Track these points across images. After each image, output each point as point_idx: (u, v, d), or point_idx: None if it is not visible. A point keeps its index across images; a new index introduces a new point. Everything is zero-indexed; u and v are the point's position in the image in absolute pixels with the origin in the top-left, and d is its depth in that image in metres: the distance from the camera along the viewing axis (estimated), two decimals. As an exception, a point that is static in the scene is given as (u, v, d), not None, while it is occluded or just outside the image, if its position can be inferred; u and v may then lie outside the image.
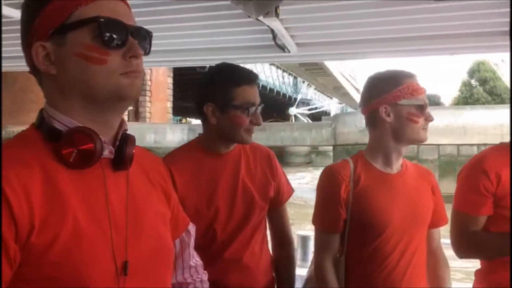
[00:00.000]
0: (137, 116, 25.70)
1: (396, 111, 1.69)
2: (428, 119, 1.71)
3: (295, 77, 42.75)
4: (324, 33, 2.31)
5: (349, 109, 46.10)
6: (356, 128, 16.80)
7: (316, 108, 44.28)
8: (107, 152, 0.95)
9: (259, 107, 1.75)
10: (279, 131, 21.77)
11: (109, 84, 0.91)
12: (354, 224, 1.72)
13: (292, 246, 1.97)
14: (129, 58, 0.92)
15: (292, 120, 37.49)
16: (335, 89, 44.33)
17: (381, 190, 1.72)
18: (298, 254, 3.06)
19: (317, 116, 40.73)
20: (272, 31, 2.18)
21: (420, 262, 1.77)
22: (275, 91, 37.15)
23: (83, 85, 0.91)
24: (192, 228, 1.29)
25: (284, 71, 40.13)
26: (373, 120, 1.75)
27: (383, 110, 1.70)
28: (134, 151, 1.00)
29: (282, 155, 35.33)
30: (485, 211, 1.73)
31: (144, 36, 0.98)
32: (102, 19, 0.90)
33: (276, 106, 40.73)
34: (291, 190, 1.96)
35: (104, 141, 0.94)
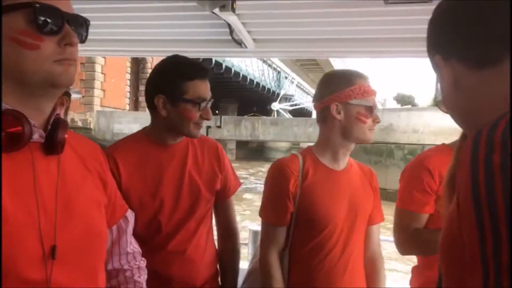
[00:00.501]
0: (136, 105, 25.38)
1: (346, 109, 1.73)
2: (376, 120, 1.76)
3: (278, 72, 42.74)
4: (282, 30, 2.32)
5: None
6: (377, 126, 16.80)
7: (297, 105, 44.36)
8: (37, 136, 0.95)
9: (210, 102, 1.76)
10: (291, 127, 21.74)
11: (41, 70, 0.90)
12: (300, 218, 1.75)
13: (237, 240, 1.99)
14: (64, 46, 0.92)
15: (274, 116, 37.51)
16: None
17: (326, 186, 1.76)
18: (249, 249, 3.07)
19: (298, 113, 40.80)
20: (229, 25, 2.18)
21: (359, 257, 1.82)
22: (254, 82, 36.75)
23: (15, 69, 0.90)
24: (130, 215, 1.29)
25: (269, 65, 40.06)
26: (324, 117, 1.79)
27: (334, 108, 1.73)
28: (66, 135, 0.99)
29: (262, 150, 35.42)
30: (428, 209, 1.80)
31: (81, 24, 0.98)
32: (37, 4, 0.89)
33: (257, 100, 40.66)
34: (238, 184, 1.98)
35: (34, 124, 0.93)
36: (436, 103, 0.91)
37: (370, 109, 1.73)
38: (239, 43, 2.30)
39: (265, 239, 1.82)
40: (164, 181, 1.76)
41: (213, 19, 2.15)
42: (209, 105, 1.76)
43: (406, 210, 1.84)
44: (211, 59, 24.89)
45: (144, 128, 1.85)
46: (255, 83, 36.44)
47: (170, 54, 1.83)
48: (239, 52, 2.47)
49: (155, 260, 1.68)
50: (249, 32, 2.26)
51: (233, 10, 2.03)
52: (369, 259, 1.88)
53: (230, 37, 2.26)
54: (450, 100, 0.83)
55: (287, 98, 44.20)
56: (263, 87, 38.80)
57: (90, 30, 1.01)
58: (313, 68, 37.92)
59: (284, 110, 41.42)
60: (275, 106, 40.48)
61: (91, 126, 20.79)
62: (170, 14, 2.16)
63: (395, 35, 2.09)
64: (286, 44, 2.45)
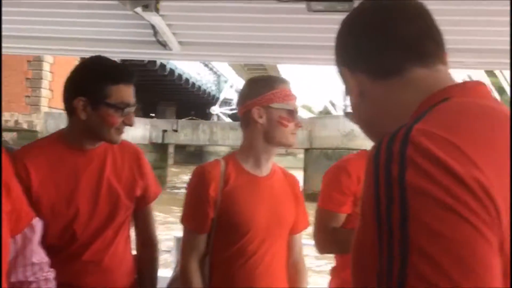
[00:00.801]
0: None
1: (268, 113, 1.73)
2: (298, 125, 1.77)
3: (218, 76, 42.66)
4: (209, 34, 2.29)
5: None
6: (338, 132, 17.15)
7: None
8: None
9: (133, 107, 1.70)
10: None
11: None
12: (221, 224, 1.73)
13: (156, 247, 1.94)
14: None
15: (214, 120, 37.36)
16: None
17: (248, 192, 1.76)
18: (173, 256, 3.02)
19: (238, 117, 40.82)
20: (153, 26, 2.13)
21: (281, 264, 1.82)
22: (196, 86, 36.21)
23: None
24: (37, 223, 1.23)
25: (210, 69, 39.88)
26: (246, 121, 1.78)
27: (256, 112, 1.74)
28: None
29: (201, 153, 35.15)
30: (346, 209, 1.89)
31: None
32: None
33: (195, 103, 40.20)
34: (158, 190, 1.94)
35: None
36: (346, 114, 0.93)
37: (292, 113, 1.75)
38: (164, 45, 2.24)
39: (185, 246, 1.78)
40: (80, 188, 1.68)
41: (136, 19, 2.09)
42: (132, 110, 1.70)
43: (325, 209, 1.93)
44: (155, 61, 24.40)
45: (60, 131, 1.76)
46: (196, 86, 36.09)
47: (90, 54, 1.75)
48: (164, 55, 2.42)
49: (69, 271, 1.62)
50: (174, 34, 2.21)
51: (157, 10, 1.98)
52: (291, 267, 1.89)
53: (154, 39, 2.20)
54: (357, 111, 0.84)
55: (227, 102, 44.25)
56: (204, 90, 38.56)
57: None
58: (261, 73, 38.22)
59: (224, 114, 41.41)
60: (215, 110, 40.35)
61: (38, 129, 19.50)
62: (91, 12, 2.07)
63: (320, 42, 2.12)
64: (214, 48, 2.42)
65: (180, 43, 2.30)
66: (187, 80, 33.39)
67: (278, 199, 1.81)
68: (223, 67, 40.48)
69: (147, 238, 1.92)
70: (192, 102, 39.25)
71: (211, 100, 41.04)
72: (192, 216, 1.77)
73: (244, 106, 1.78)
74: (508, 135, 0.66)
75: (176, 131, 21.80)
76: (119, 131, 1.68)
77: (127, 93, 1.67)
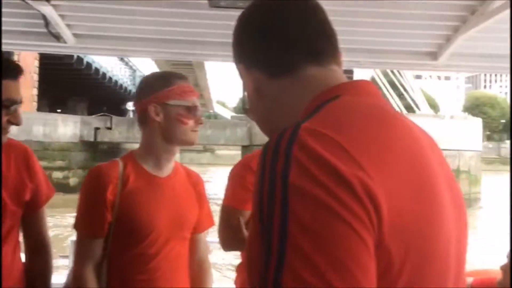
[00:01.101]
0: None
1: (165, 111, 1.68)
2: (198, 121, 1.73)
3: (133, 70, 41.38)
4: (107, 27, 2.18)
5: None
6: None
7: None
8: None
9: (20, 105, 1.58)
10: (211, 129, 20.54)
11: None
12: (120, 227, 1.66)
13: (49, 252, 1.83)
14: None
15: (129, 116, 36.17)
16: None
17: (149, 193, 1.70)
18: (70, 261, 2.87)
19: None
20: (44, 16, 1.98)
21: (184, 265, 1.78)
22: (113, 80, 34.75)
23: None
24: None
25: (126, 63, 38.53)
26: (143, 119, 1.72)
27: (153, 109, 1.67)
28: None
29: (116, 151, 33.86)
30: (249, 206, 1.85)
31: None
32: None
33: (108, 99, 38.66)
34: (51, 192, 1.83)
35: None
36: (245, 111, 0.92)
37: (191, 110, 1.70)
38: (57, 37, 2.10)
39: (79, 253, 1.69)
40: None
41: (26, 8, 1.93)
42: (18, 108, 1.57)
43: (228, 206, 1.93)
44: (72, 55, 23.08)
45: None
46: (113, 81, 34.68)
47: None
48: (58, 47, 2.26)
49: None
50: (68, 26, 2.08)
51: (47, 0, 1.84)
52: (196, 267, 1.86)
53: (46, 30, 2.05)
54: (254, 108, 0.84)
55: (143, 98, 42.94)
56: (121, 85, 37.19)
57: None
58: (185, 68, 37.28)
59: (140, 110, 40.13)
60: (131, 106, 39.14)
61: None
62: None
63: (222, 39, 2.11)
64: (115, 42, 2.31)
65: (76, 35, 2.16)
66: (104, 74, 31.99)
67: (180, 200, 1.76)
68: (139, 61, 39.37)
69: (39, 243, 1.81)
70: (104, 98, 37.72)
71: (127, 95, 39.76)
72: (88, 220, 1.68)
73: (140, 104, 1.72)
74: (396, 135, 0.68)
75: (110, 128, 20.73)
76: (5, 130, 1.56)
77: (14, 89, 1.55)
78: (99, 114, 26.40)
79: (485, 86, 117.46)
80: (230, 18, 1.98)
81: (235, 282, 2.03)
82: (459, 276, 0.73)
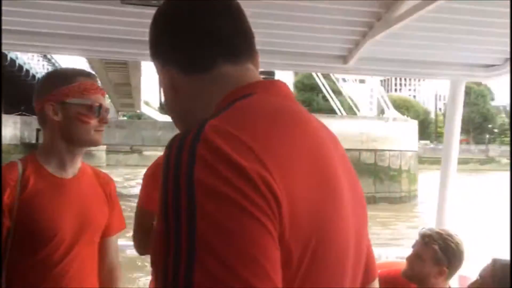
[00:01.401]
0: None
1: (64, 110, 1.61)
2: (102, 121, 1.67)
3: (53, 65, 39.23)
4: (26, 22, 2.06)
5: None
6: None
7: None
8: None
9: None
10: (139, 130, 19.35)
11: None
12: (19, 233, 1.56)
13: None
14: None
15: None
16: (116, 86, 41.81)
17: (52, 196, 1.61)
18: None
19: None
20: None
21: (92, 270, 1.72)
22: (30, 74, 32.77)
23: None
24: None
25: (48, 60, 36.54)
26: (43, 119, 1.65)
27: (50, 108, 1.60)
28: None
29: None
30: None
31: None
32: None
33: (25, 98, 36.45)
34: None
35: None
36: (162, 107, 0.92)
37: (93, 108, 1.63)
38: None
39: None
40: None
41: None
42: None
43: (142, 208, 1.89)
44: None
45: None
46: (37, 78, 32.74)
47: None
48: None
49: None
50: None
51: None
52: (106, 272, 1.80)
53: None
54: (170, 104, 0.84)
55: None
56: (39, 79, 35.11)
57: None
58: (117, 67, 35.76)
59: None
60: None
61: None
62: None
63: (134, 37, 2.07)
64: (35, 38, 2.18)
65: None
66: (24, 69, 30.05)
67: (87, 202, 1.70)
68: (68, 60, 37.54)
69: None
70: (22, 96, 35.64)
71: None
72: None
73: (39, 102, 1.64)
74: (299, 134, 0.70)
75: (52, 129, 19.55)
76: None
77: None
78: (15, 114, 24.78)
79: (395, 90, 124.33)
80: (143, 16, 1.96)
81: (149, 285, 2.00)
82: (358, 263, 0.78)
